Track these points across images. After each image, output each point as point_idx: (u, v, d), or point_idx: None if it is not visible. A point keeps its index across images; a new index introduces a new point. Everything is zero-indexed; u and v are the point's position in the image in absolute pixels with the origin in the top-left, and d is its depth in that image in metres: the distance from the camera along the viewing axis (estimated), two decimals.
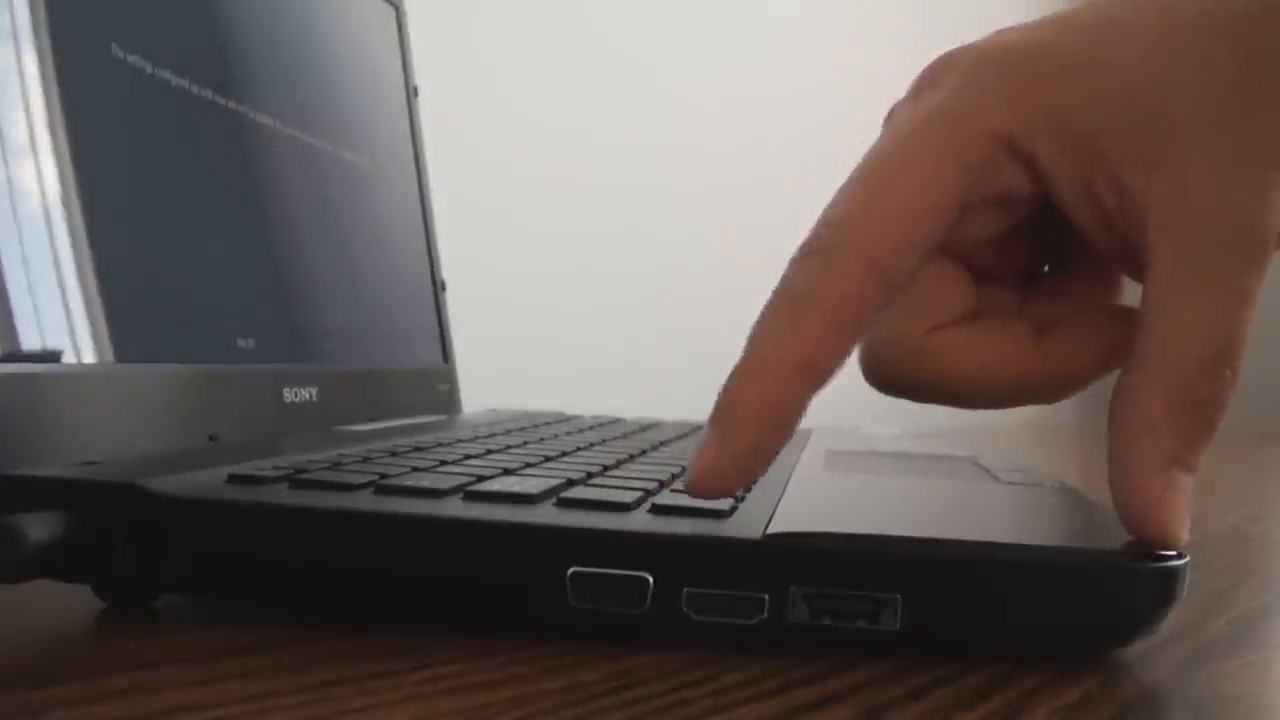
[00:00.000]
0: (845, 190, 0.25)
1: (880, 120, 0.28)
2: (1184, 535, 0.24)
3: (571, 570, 0.24)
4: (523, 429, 0.46)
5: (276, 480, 0.27)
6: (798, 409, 0.24)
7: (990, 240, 0.27)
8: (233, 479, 0.27)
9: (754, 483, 0.24)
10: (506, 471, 0.30)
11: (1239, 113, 0.23)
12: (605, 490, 0.28)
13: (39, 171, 0.30)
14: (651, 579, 0.24)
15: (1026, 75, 0.24)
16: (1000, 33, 0.26)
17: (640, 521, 0.25)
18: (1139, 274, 0.25)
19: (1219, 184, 0.23)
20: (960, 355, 0.27)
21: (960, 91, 0.25)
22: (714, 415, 0.24)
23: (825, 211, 0.25)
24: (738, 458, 0.24)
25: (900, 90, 0.27)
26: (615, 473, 0.32)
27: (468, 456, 0.33)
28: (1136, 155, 0.24)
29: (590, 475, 0.31)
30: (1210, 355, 0.23)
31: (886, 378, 0.27)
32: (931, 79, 0.26)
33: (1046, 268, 0.29)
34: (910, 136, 0.25)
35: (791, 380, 0.24)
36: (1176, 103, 0.23)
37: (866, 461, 0.40)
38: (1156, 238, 0.24)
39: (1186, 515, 0.24)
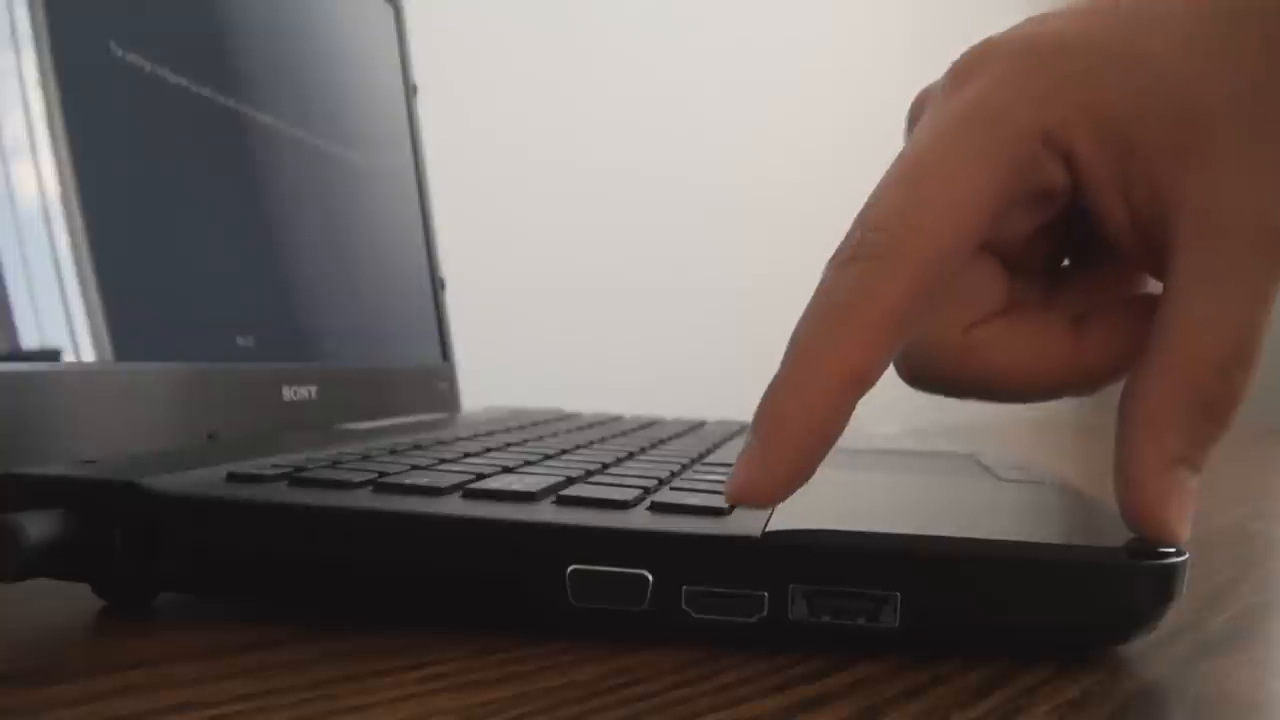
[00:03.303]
0: (887, 191, 0.24)
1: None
2: (1184, 534, 0.24)
3: (571, 568, 0.24)
4: (522, 427, 0.46)
5: (276, 478, 0.27)
6: (843, 419, 0.24)
7: (1025, 234, 0.26)
8: (232, 477, 0.27)
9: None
10: (506, 469, 0.30)
11: (1269, 106, 0.23)
12: (604, 488, 0.28)
13: (38, 170, 0.30)
14: (651, 577, 0.24)
15: (1065, 67, 0.24)
16: (1036, 21, 0.25)
17: (640, 519, 0.25)
18: (1159, 272, 0.24)
19: (1250, 183, 0.23)
20: (1002, 350, 0.26)
21: (1000, 84, 0.24)
22: (757, 426, 0.24)
23: (866, 214, 0.24)
24: (784, 469, 0.24)
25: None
26: (614, 470, 0.32)
27: (467, 454, 0.33)
28: (1170, 150, 0.23)
29: (589, 473, 0.31)
30: (1227, 355, 0.23)
31: (928, 377, 0.27)
32: (968, 69, 0.25)
33: (1067, 260, 0.29)
34: (952, 134, 0.24)
35: (838, 391, 0.23)
36: (1209, 96, 0.23)
37: (866, 459, 0.40)
38: (1183, 234, 0.23)
39: (1189, 515, 0.24)
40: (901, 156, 0.25)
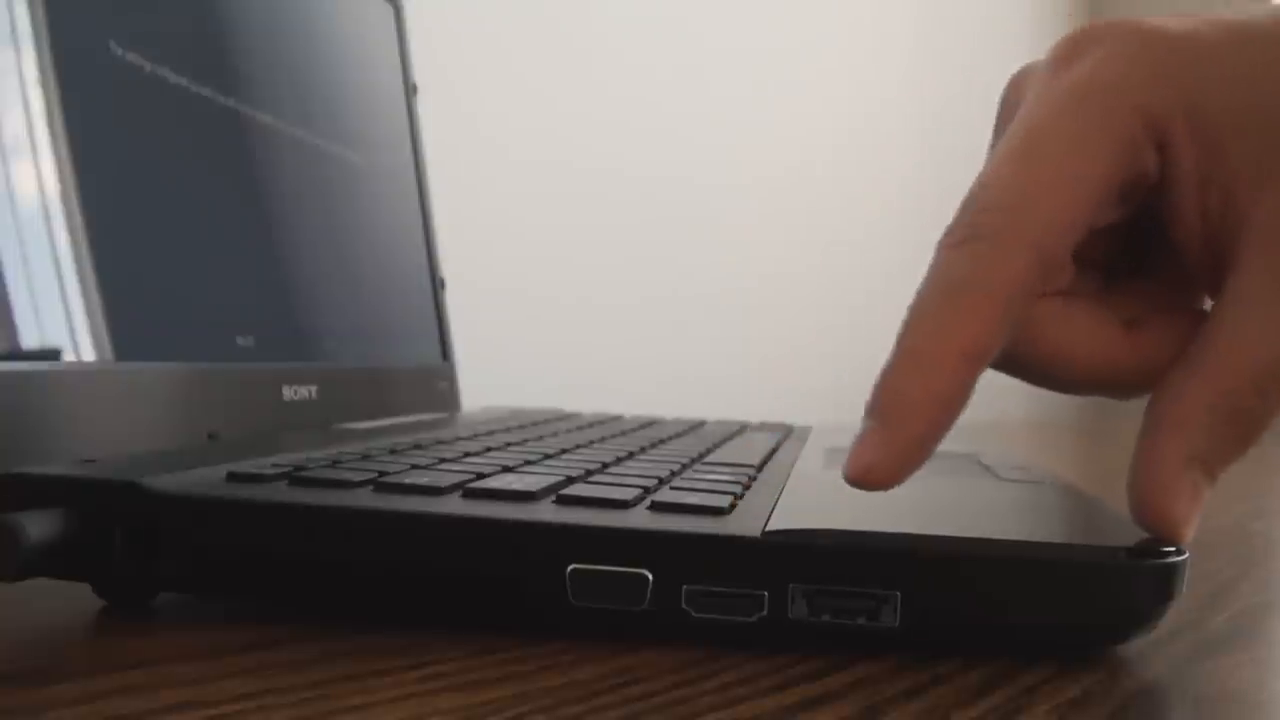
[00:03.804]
0: (1000, 170, 0.24)
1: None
2: (1188, 535, 0.24)
3: (571, 567, 0.24)
4: (522, 426, 0.46)
5: (276, 478, 0.27)
6: (964, 398, 0.24)
7: (1103, 225, 0.26)
8: (232, 477, 0.27)
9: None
10: (506, 469, 0.30)
11: None
12: (604, 487, 0.28)
13: (38, 169, 0.30)
14: (651, 576, 0.24)
15: (1171, 55, 0.24)
16: (1140, 16, 0.25)
17: (640, 519, 0.25)
18: (1215, 284, 0.24)
19: None
20: (1056, 331, 0.26)
21: (1108, 64, 0.24)
22: (876, 407, 0.24)
23: (978, 193, 0.24)
24: (905, 450, 0.23)
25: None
26: (614, 470, 0.32)
27: (467, 454, 0.33)
28: (1253, 166, 0.23)
29: (589, 472, 0.31)
30: (1265, 371, 0.23)
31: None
32: (1075, 49, 0.25)
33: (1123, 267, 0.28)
34: (1063, 112, 0.24)
35: (957, 371, 0.23)
36: None
37: None
38: (1245, 249, 0.24)
39: (1195, 518, 0.24)
40: (1011, 135, 0.25)
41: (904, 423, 0.23)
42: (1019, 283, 0.23)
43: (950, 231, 0.24)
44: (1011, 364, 0.27)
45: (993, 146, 0.27)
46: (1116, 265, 0.28)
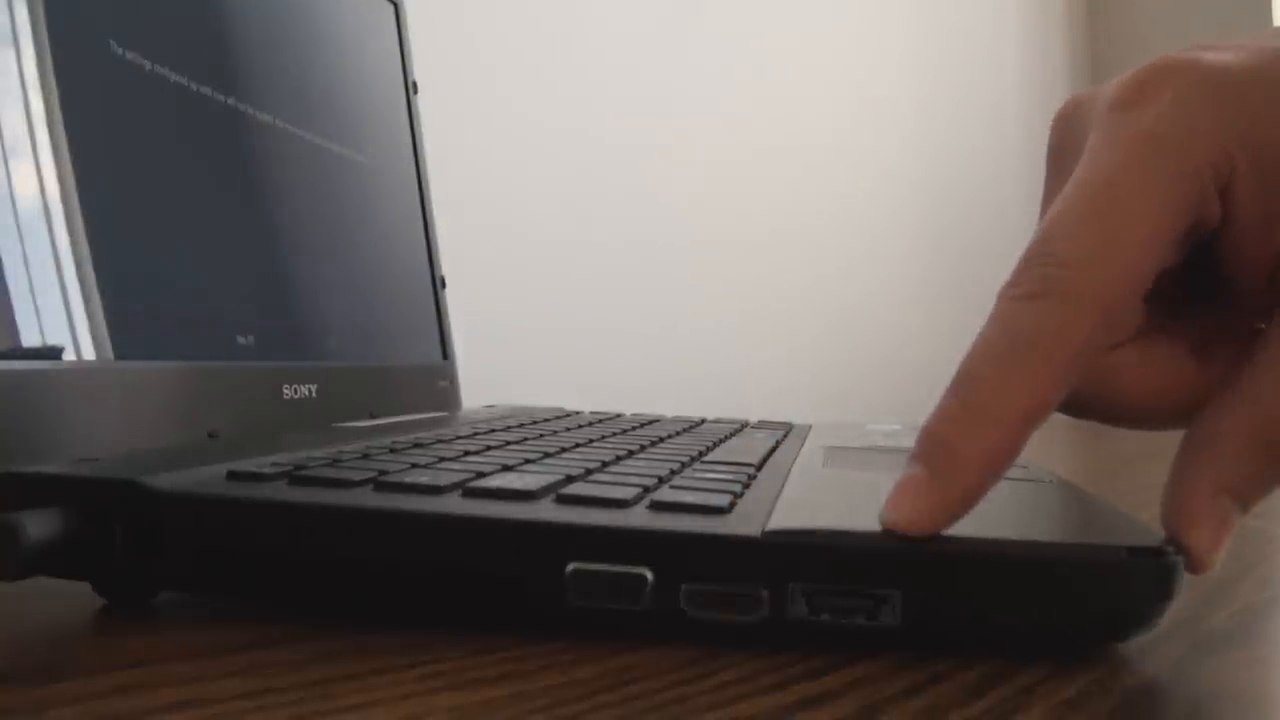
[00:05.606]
0: (1067, 224, 0.24)
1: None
2: (1212, 561, 0.24)
3: (570, 566, 0.24)
4: (522, 425, 0.46)
5: (276, 477, 0.27)
6: (1018, 453, 0.23)
7: (1174, 265, 0.26)
8: (232, 476, 0.27)
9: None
10: (506, 468, 0.30)
11: None
12: (604, 486, 0.28)
13: (38, 169, 0.30)
14: (650, 575, 0.24)
15: (1235, 97, 0.24)
16: (1205, 48, 0.25)
17: (639, 518, 0.25)
18: (1270, 315, 0.24)
19: None
20: (1136, 375, 0.26)
21: (1175, 113, 0.24)
22: (925, 455, 0.23)
23: (1049, 246, 0.24)
24: (953, 501, 0.23)
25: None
26: (614, 469, 0.32)
27: (467, 453, 0.33)
28: None
29: (589, 471, 0.31)
30: None
31: (1066, 397, 0.26)
32: (1142, 92, 0.25)
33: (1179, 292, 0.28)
34: (1133, 167, 0.24)
35: (1017, 426, 0.23)
36: None
37: (866, 457, 0.40)
38: None
39: (1222, 544, 0.24)
40: (1079, 185, 0.24)
41: (954, 476, 0.23)
42: (1086, 343, 0.23)
43: (1014, 283, 0.24)
44: (1094, 412, 0.27)
45: (1049, 180, 0.27)
46: (1177, 295, 0.28)
